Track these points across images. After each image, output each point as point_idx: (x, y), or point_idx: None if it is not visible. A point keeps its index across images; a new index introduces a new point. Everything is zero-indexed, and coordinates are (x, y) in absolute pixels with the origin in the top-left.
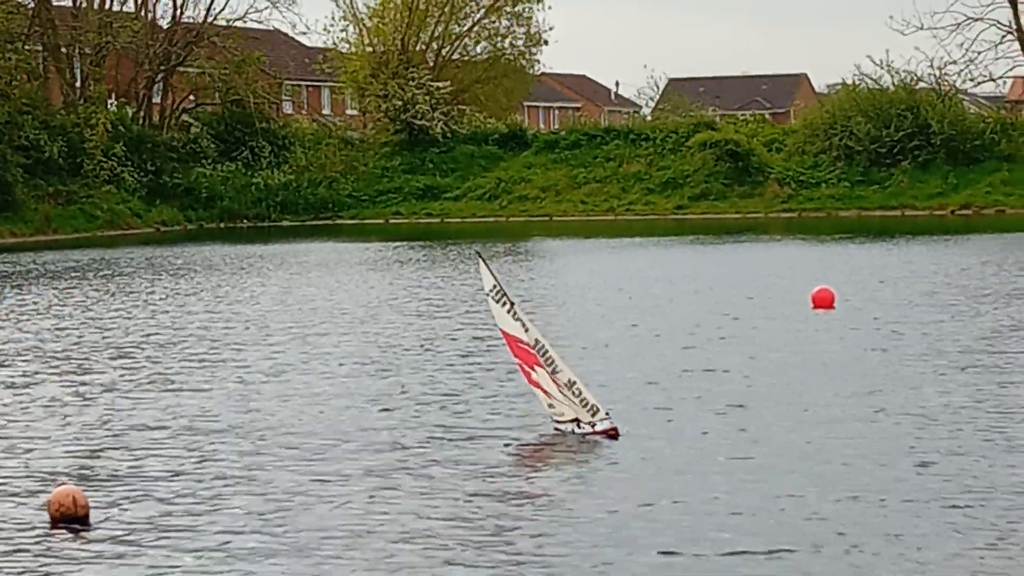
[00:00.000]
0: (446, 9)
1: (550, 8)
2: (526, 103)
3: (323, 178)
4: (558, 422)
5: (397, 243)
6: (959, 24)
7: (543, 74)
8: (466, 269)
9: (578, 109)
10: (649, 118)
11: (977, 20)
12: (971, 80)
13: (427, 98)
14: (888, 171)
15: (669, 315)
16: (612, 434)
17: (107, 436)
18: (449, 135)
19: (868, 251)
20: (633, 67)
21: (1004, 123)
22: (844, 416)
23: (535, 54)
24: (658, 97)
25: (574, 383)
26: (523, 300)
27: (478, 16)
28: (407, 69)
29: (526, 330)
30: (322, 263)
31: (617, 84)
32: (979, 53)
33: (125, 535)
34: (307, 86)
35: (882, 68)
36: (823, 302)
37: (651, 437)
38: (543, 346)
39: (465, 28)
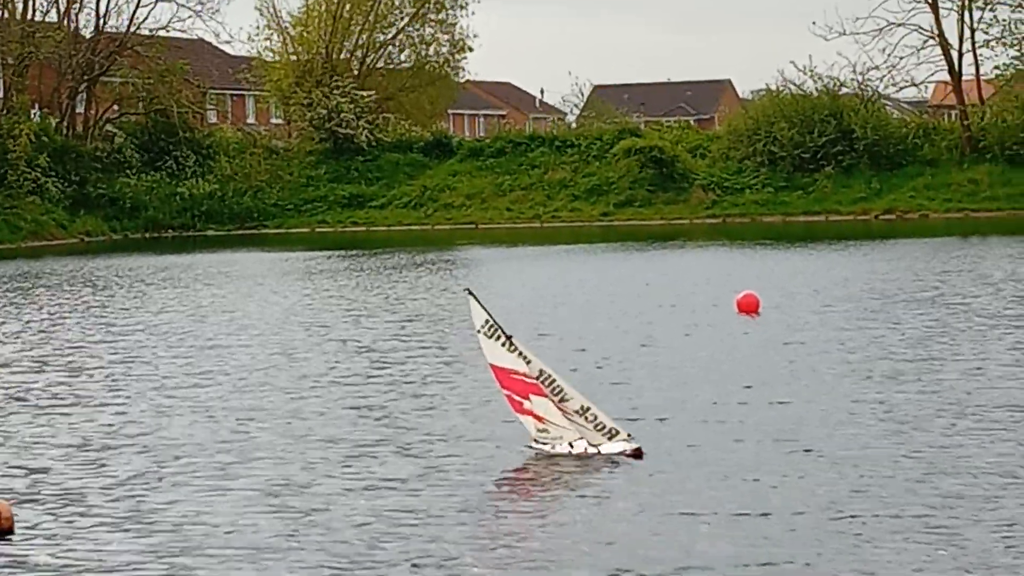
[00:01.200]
0: (370, 17)
1: (474, 15)
2: (451, 111)
3: (248, 187)
4: (543, 443)
5: (319, 253)
6: (881, 29)
7: (468, 82)
8: (389, 277)
9: (503, 116)
10: (574, 125)
11: (899, 25)
12: (894, 85)
13: (352, 107)
14: (812, 176)
15: (589, 323)
16: (636, 454)
17: (14, 451)
18: (374, 143)
19: (792, 256)
20: (558, 74)
21: (926, 128)
22: (759, 420)
23: (460, 62)
24: (583, 104)
25: (588, 408)
26: (442, 310)
27: (402, 24)
28: (331, 78)
29: (527, 362)
30: (246, 275)
31: (542, 91)
32: (901, 58)
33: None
34: (231, 95)
35: (805, 74)
36: (748, 307)
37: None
38: (549, 376)
39: (390, 36)
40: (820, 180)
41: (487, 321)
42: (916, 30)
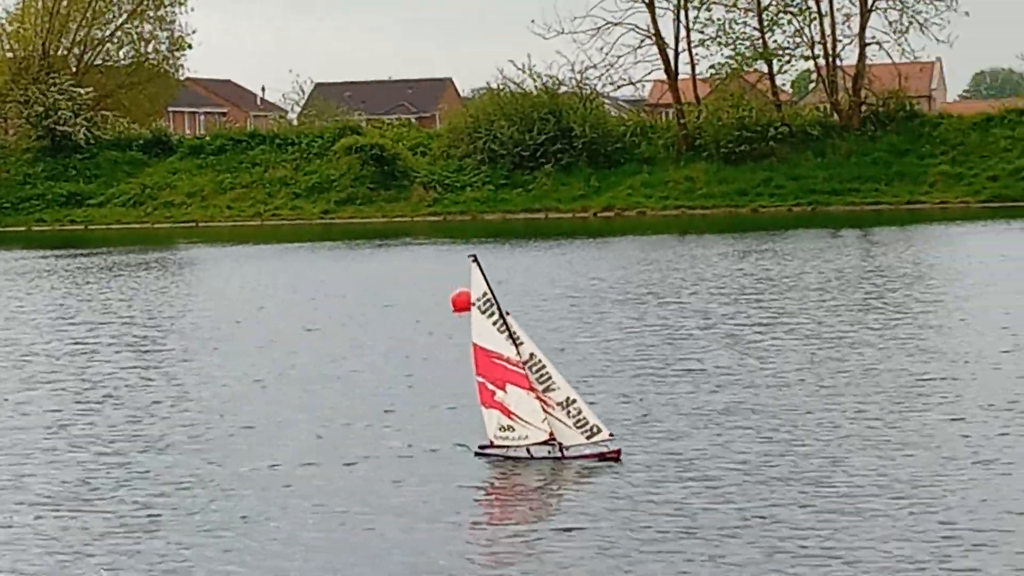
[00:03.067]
0: (88, 14)
1: (193, 11)
2: (171, 108)
3: None
4: (502, 445)
5: (34, 252)
6: (599, 29)
7: (188, 79)
8: (102, 278)
9: (224, 114)
10: (296, 123)
11: (616, 25)
12: (611, 84)
13: (69, 104)
14: (532, 174)
15: (295, 323)
16: (613, 456)
17: None
18: (92, 141)
19: (511, 254)
20: (279, 72)
21: (644, 126)
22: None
23: (179, 59)
24: (304, 102)
25: (573, 401)
26: (150, 308)
27: (121, 21)
28: (49, 75)
29: (519, 343)
30: None
31: (263, 89)
32: (619, 57)
33: None
34: None
35: (525, 72)
36: (463, 305)
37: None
38: (539, 360)
39: (108, 33)
40: (540, 178)
41: (484, 294)
42: (633, 29)
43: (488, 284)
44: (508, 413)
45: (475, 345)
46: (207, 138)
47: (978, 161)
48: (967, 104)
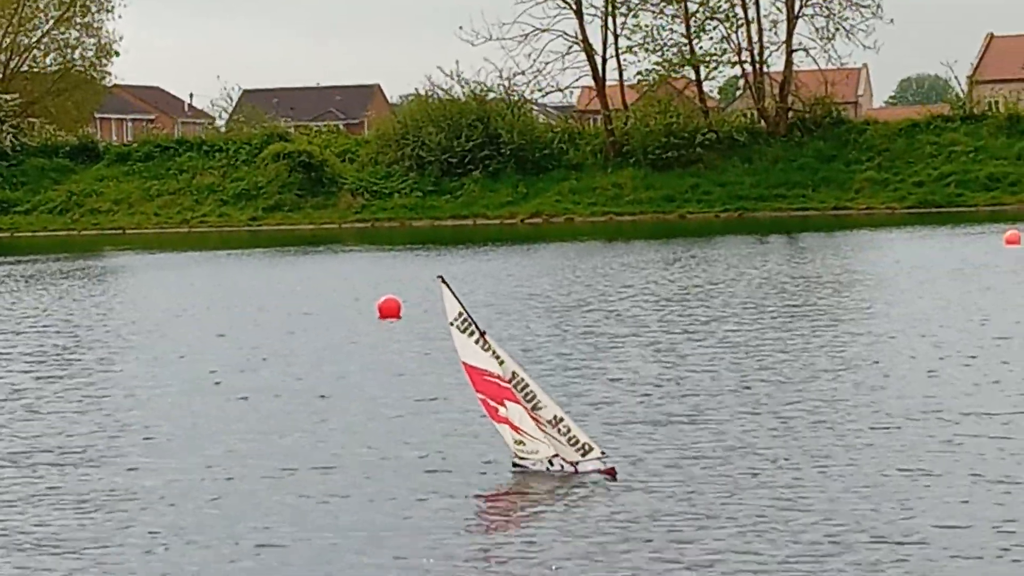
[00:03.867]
0: (14, 20)
1: (120, 18)
2: (98, 115)
3: None
4: (523, 458)
5: None
6: (527, 35)
7: (115, 86)
8: (26, 286)
9: (152, 121)
10: (223, 130)
11: (544, 31)
12: (539, 90)
13: None
14: (460, 181)
15: (210, 331)
16: (609, 473)
17: None
18: (18, 148)
19: (439, 261)
20: (207, 79)
21: (572, 132)
22: (408, 425)
23: (106, 65)
24: (232, 109)
25: (561, 419)
26: (70, 317)
27: (47, 27)
28: None
29: (500, 362)
30: None
31: (191, 96)
32: (547, 64)
33: None
34: None
35: (453, 79)
36: (389, 311)
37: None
38: (522, 380)
39: (34, 39)
40: (468, 184)
41: (460, 314)
42: (561, 36)
43: (461, 304)
44: (515, 428)
45: (464, 364)
46: (134, 145)
47: (904, 167)
48: (893, 110)
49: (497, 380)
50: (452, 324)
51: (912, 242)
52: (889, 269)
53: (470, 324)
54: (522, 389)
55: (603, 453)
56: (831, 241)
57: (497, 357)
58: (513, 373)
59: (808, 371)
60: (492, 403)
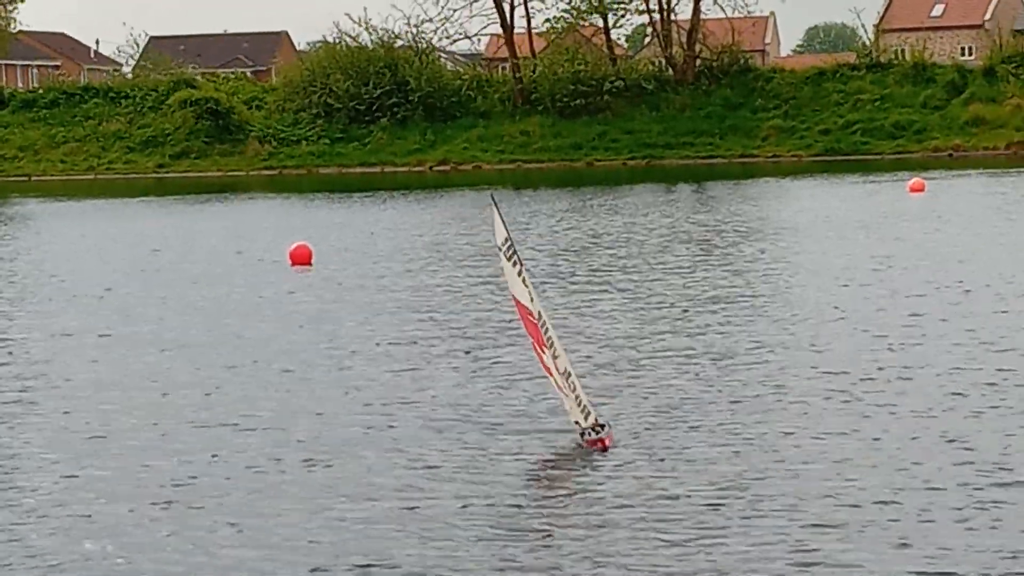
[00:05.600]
0: None
1: None
2: (3, 61)
3: None
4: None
5: None
6: None
7: (20, 32)
8: None
9: (57, 67)
10: (130, 76)
11: None
12: (447, 38)
13: None
14: (368, 128)
15: (150, 282)
16: (602, 446)
17: None
18: None
19: (347, 208)
20: (113, 25)
21: (480, 80)
22: (315, 376)
23: (12, 12)
24: (139, 55)
25: (570, 375)
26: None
27: None
28: None
29: (531, 299)
30: None
31: (97, 42)
32: (455, 11)
33: None
34: None
35: (360, 26)
36: (300, 259)
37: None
38: (544, 322)
39: None
40: (376, 132)
41: (506, 240)
42: None
43: (507, 230)
44: (555, 380)
45: (514, 299)
46: (40, 91)
47: (810, 115)
48: (800, 58)
49: (534, 320)
50: (500, 250)
51: (818, 190)
52: (796, 218)
53: (514, 253)
54: (546, 333)
55: (597, 420)
56: (738, 189)
57: (529, 293)
58: (539, 312)
59: (717, 321)
60: (539, 348)
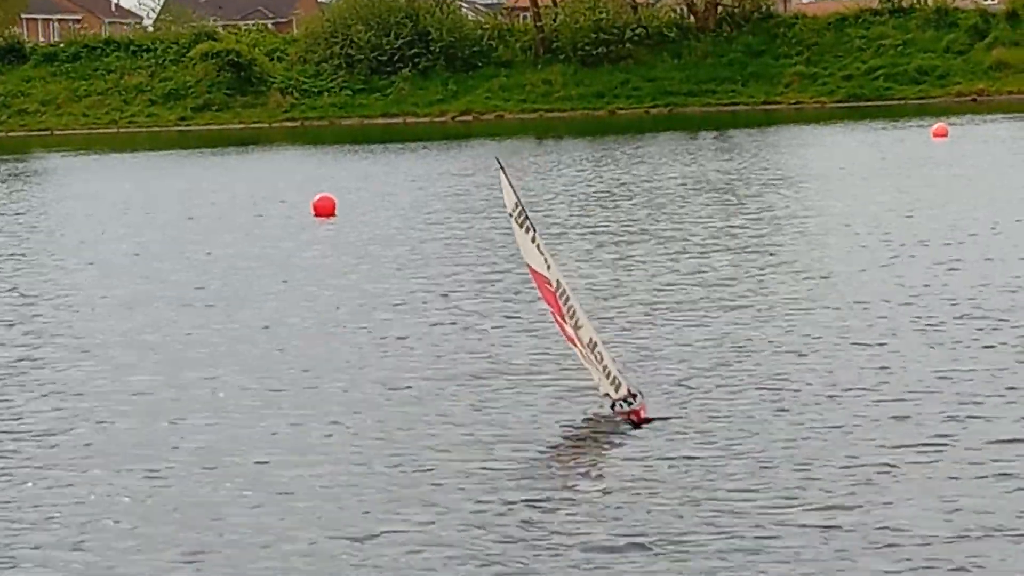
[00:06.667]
0: None
1: None
2: (24, 15)
3: None
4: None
5: None
6: None
7: None
8: None
9: (78, 21)
10: (151, 29)
11: None
12: None
13: None
14: (389, 79)
15: (166, 235)
16: (636, 418)
17: None
18: None
19: (370, 159)
20: None
21: (501, 29)
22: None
23: None
24: (160, 8)
25: (596, 345)
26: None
27: None
28: None
29: (548, 266)
30: None
31: None
32: None
33: None
34: None
35: None
36: (324, 210)
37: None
38: (564, 291)
39: None
40: (397, 82)
41: (516, 204)
42: None
43: (516, 194)
44: (579, 349)
45: (529, 267)
46: (61, 45)
47: (832, 61)
48: (822, 4)
49: (551, 289)
50: (511, 216)
51: (841, 136)
52: (822, 166)
53: (526, 219)
54: (566, 302)
55: (629, 391)
56: (761, 136)
57: (545, 260)
58: (557, 281)
59: (744, 272)
60: (558, 317)
